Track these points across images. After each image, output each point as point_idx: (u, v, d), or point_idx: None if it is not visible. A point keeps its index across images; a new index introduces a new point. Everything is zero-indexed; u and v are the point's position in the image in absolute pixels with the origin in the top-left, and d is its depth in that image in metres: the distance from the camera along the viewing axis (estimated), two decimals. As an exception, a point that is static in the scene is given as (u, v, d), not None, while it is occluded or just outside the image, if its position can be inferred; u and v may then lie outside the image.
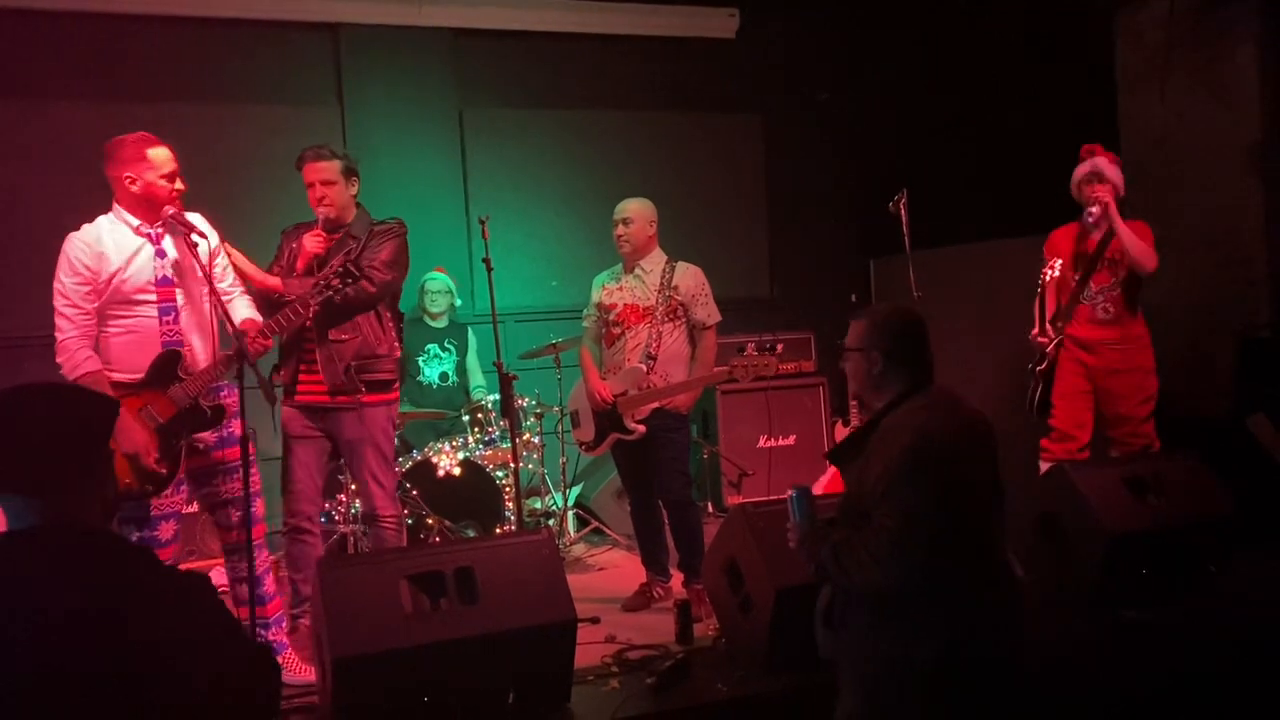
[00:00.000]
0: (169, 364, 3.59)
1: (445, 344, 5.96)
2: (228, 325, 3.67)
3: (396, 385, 4.23)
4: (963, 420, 2.57)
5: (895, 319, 2.69)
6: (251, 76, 6.23)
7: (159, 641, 1.67)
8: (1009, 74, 6.67)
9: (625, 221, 4.56)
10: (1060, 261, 4.89)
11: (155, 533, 3.64)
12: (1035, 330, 4.91)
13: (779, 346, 6.92)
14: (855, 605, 2.52)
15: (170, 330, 3.65)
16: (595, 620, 4.18)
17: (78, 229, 3.65)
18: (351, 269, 3.80)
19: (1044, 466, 4.91)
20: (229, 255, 3.89)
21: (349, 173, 4.14)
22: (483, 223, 4.50)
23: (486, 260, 4.44)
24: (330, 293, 3.79)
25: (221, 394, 3.78)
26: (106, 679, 1.61)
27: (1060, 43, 6.51)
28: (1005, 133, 6.72)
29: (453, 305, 6.07)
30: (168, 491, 3.65)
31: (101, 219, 3.69)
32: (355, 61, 6.42)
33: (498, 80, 6.76)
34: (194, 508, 5.31)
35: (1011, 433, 5.66)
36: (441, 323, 6.02)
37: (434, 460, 5.22)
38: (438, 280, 6.00)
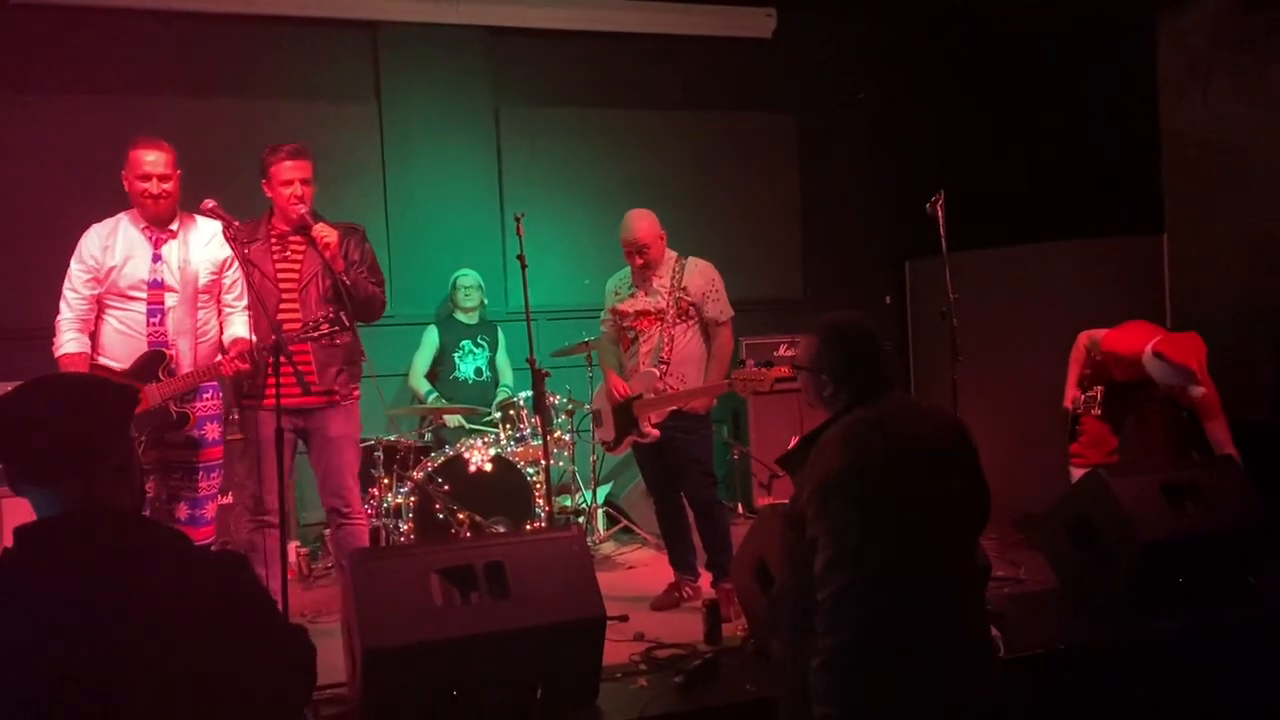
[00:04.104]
0: (153, 363, 3.81)
1: (478, 340, 6.00)
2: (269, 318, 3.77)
3: None
4: (900, 434, 2.48)
5: (841, 340, 2.63)
6: (291, 73, 6.28)
7: (196, 622, 1.68)
8: (1049, 75, 6.61)
9: (642, 251, 4.49)
10: (1101, 390, 4.89)
11: (203, 511, 3.98)
12: (1067, 400, 5.04)
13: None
14: (781, 619, 2.53)
15: (156, 331, 3.86)
16: (624, 618, 4.18)
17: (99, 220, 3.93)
18: (343, 318, 3.81)
19: (1075, 472, 4.88)
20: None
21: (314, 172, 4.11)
22: (518, 220, 4.49)
23: (521, 257, 4.44)
24: (321, 336, 3.84)
25: (205, 396, 3.96)
26: (146, 660, 1.62)
27: (1101, 44, 6.45)
28: (1045, 134, 6.67)
29: (483, 302, 6.11)
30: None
31: (124, 214, 3.92)
32: (393, 59, 6.46)
33: (534, 79, 6.77)
34: (228, 499, 5.43)
35: (1045, 435, 5.65)
36: (473, 319, 6.05)
37: (465, 456, 5.24)
38: (469, 275, 6.04)
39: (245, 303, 4.06)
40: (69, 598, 1.63)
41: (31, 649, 1.58)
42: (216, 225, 3.93)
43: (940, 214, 4.65)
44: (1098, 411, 4.89)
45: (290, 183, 4.00)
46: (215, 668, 1.68)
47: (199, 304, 3.95)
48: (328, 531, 5.48)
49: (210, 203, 3.74)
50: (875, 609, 2.33)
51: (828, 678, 2.32)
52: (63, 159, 5.65)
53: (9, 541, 1.71)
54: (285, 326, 3.92)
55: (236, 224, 3.73)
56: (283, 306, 4.02)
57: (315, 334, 3.82)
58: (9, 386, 1.91)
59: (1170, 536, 3.83)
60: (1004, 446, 6.16)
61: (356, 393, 4.18)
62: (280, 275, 4.07)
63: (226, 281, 4.03)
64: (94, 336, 3.91)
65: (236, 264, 4.00)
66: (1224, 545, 3.92)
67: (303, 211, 4.02)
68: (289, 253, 4.09)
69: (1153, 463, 4.83)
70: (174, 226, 3.92)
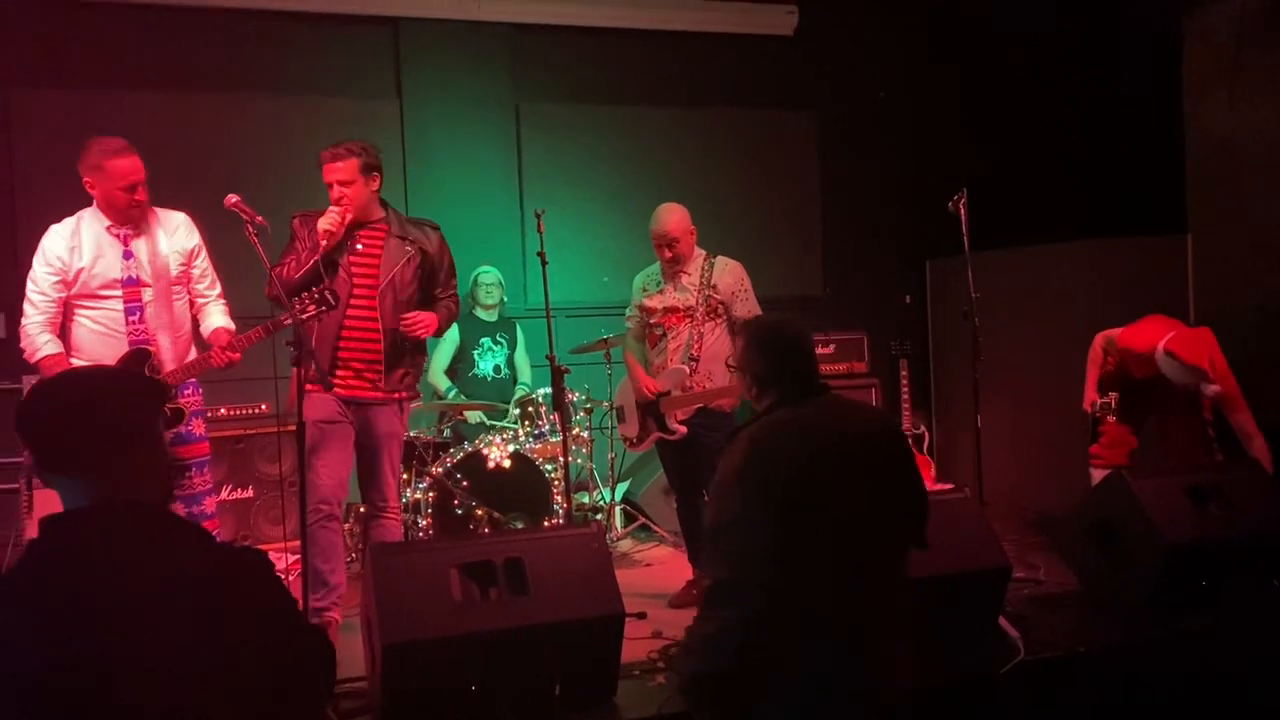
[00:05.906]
0: (137, 361, 3.74)
1: (497, 337, 6.01)
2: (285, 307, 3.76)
3: None
4: (818, 438, 2.45)
5: (763, 342, 2.64)
6: (312, 69, 6.29)
7: (217, 618, 1.68)
8: (1073, 73, 6.57)
9: (671, 244, 4.47)
10: (1115, 396, 4.87)
11: (201, 507, 3.93)
12: (1085, 403, 5.02)
13: (830, 346, 6.89)
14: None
15: (136, 329, 3.80)
16: (642, 615, 4.18)
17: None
18: (329, 297, 3.72)
19: (1095, 474, 4.84)
20: None
21: (369, 169, 3.94)
22: (539, 216, 4.49)
23: (541, 254, 4.45)
24: (309, 317, 3.73)
25: (185, 392, 3.91)
26: (168, 654, 1.63)
27: (1127, 42, 6.40)
28: (1068, 134, 6.62)
29: (502, 299, 6.11)
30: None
31: (84, 212, 3.82)
32: (414, 55, 6.47)
33: (554, 75, 6.77)
34: (249, 493, 5.45)
35: (1065, 436, 5.62)
36: (492, 316, 6.06)
37: (484, 452, 5.25)
38: (490, 273, 6.05)
39: (218, 291, 4.03)
40: (94, 589, 1.63)
41: (56, 640, 1.58)
42: (180, 216, 3.94)
43: (963, 213, 4.63)
44: (1113, 418, 4.87)
45: (330, 185, 3.92)
46: (235, 664, 1.68)
47: (174, 296, 3.87)
48: (345, 526, 5.52)
49: (234, 198, 3.71)
50: (747, 610, 2.33)
51: (690, 660, 2.50)
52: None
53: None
54: (350, 323, 3.94)
55: (259, 219, 3.71)
56: (354, 302, 3.95)
57: (304, 316, 3.71)
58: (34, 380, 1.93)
59: (1194, 539, 3.80)
60: (1025, 447, 6.14)
61: (413, 394, 4.23)
62: (355, 270, 3.99)
63: (195, 272, 3.96)
64: (64, 338, 3.79)
65: (204, 253, 3.99)
66: (1248, 548, 3.89)
67: (345, 215, 3.89)
68: (360, 246, 4.00)
69: (1176, 465, 4.79)
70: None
